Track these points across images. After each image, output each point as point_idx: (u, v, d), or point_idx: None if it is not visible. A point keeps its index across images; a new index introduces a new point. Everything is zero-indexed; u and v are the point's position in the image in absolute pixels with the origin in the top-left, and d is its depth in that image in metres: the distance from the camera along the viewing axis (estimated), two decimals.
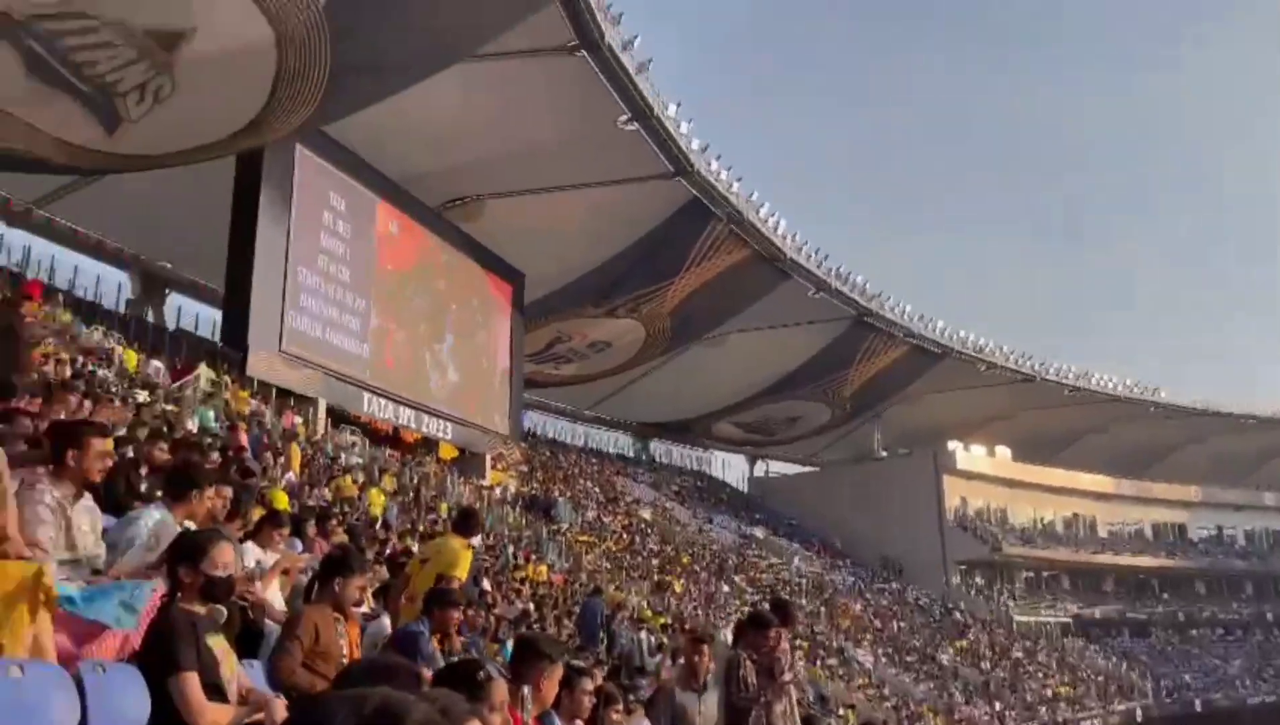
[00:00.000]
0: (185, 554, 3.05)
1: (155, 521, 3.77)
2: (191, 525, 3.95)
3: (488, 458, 29.70)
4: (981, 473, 46.31)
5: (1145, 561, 48.93)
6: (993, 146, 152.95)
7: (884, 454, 48.24)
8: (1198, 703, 39.39)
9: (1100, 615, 45.95)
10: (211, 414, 15.86)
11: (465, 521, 6.53)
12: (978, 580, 45.33)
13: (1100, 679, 37.82)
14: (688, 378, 41.22)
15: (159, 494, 4.26)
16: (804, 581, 35.91)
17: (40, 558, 3.04)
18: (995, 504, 47.76)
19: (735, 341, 39.48)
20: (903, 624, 35.73)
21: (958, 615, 39.97)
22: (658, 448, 50.14)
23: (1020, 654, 37.38)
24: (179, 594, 3.02)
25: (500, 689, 2.82)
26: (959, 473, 45.53)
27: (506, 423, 31.71)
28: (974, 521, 46.13)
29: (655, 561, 28.70)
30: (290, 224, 22.35)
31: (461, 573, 5.77)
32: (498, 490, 27.12)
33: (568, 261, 32.29)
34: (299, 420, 21.13)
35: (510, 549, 19.90)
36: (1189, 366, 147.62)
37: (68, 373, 12.93)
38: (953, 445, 45.94)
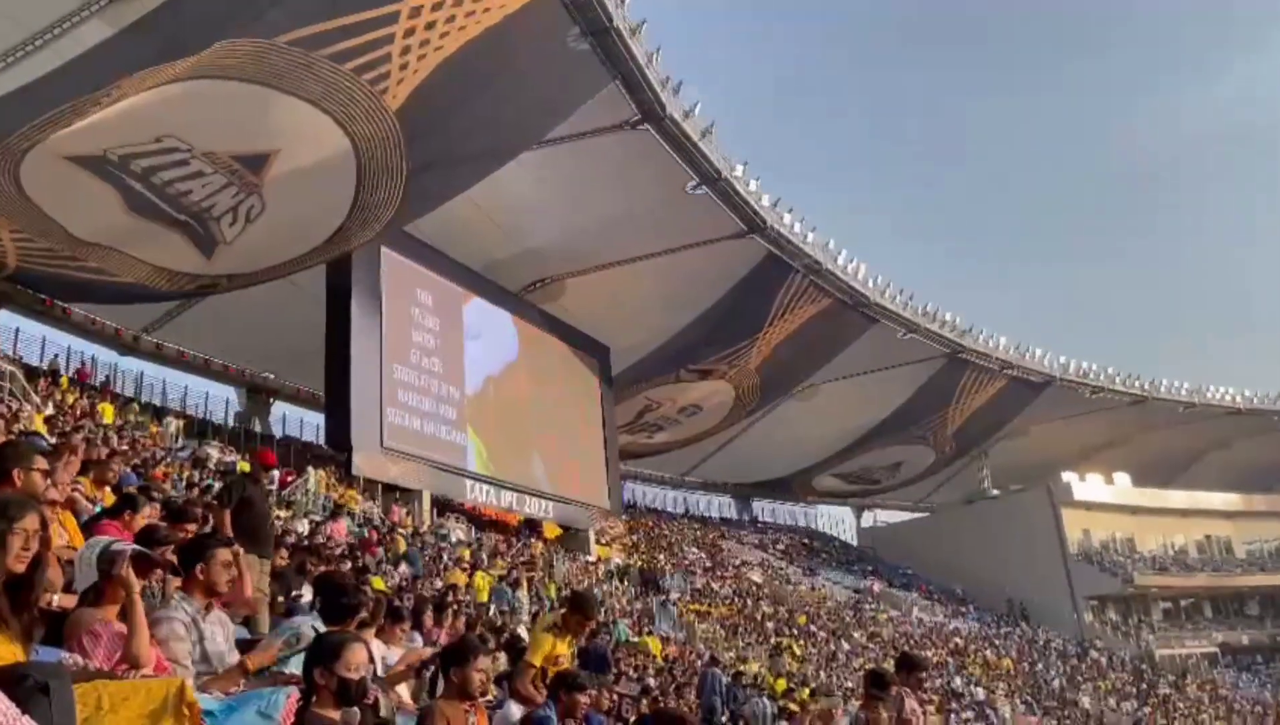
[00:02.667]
0: (320, 657, 3.06)
1: (310, 632, 3.78)
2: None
3: (591, 534, 29.68)
4: (1102, 502, 44.43)
5: None
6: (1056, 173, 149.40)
7: (996, 493, 46.67)
8: None
9: (1249, 641, 43.06)
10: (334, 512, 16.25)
11: (568, 607, 6.32)
12: (1112, 615, 43.08)
13: (1258, 709, 35.24)
14: (782, 433, 40.71)
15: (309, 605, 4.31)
16: (927, 632, 34.64)
17: (180, 674, 3.09)
18: (1121, 533, 45.59)
19: (827, 392, 38.92)
20: (1038, 668, 34.05)
21: (1095, 654, 37.95)
22: (760, 507, 49.44)
23: (1168, 689, 35.16)
24: (314, 698, 3.02)
25: None
26: (1078, 504, 43.76)
27: (606, 497, 31.71)
28: (1100, 554, 44.07)
29: (770, 624, 28.07)
30: (382, 324, 23.02)
31: (534, 657, 5.64)
32: (603, 566, 27.02)
33: (650, 330, 32.50)
34: (404, 511, 21.56)
35: (623, 624, 19.69)
36: None
37: (183, 488, 13.45)
38: (1067, 476, 44.28)
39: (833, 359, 36.67)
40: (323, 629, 3.84)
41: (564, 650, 5.82)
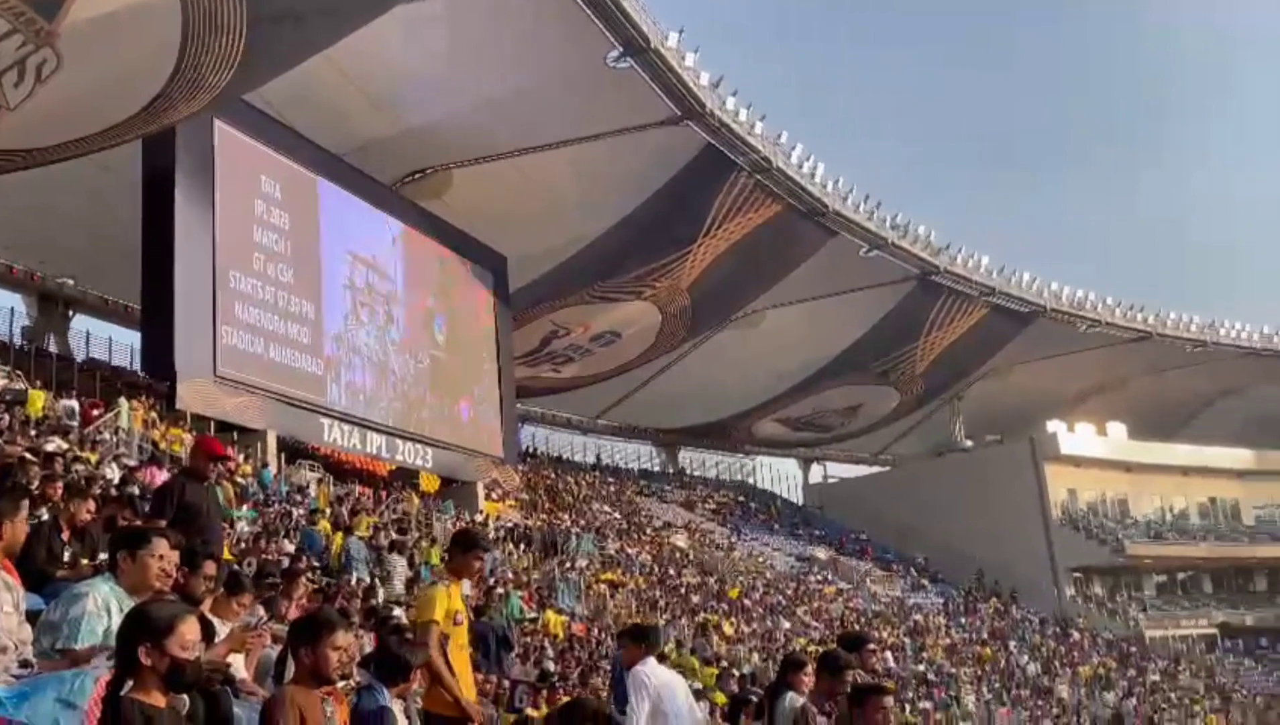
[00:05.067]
0: (146, 632, 3.03)
1: (104, 595, 3.76)
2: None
3: (479, 486, 29.79)
4: (1092, 457, 46.12)
5: None
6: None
7: (969, 444, 48.25)
8: None
9: (1253, 622, 45.67)
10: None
11: (452, 546, 6.47)
12: (1097, 590, 45.18)
13: (1260, 701, 37.60)
14: (718, 369, 41.16)
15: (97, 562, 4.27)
16: (882, 609, 35.87)
17: None
18: (1112, 494, 47.59)
19: (774, 319, 39.36)
20: (1011, 651, 35.66)
21: (1076, 635, 39.86)
22: (688, 458, 50.20)
23: (1157, 677, 37.22)
24: (130, 682, 3.00)
25: None
26: (1064, 459, 45.40)
27: (499, 442, 31.77)
28: (1087, 518, 45.97)
29: (695, 598, 28.71)
30: (216, 219, 22.41)
31: (434, 612, 5.73)
32: (494, 525, 27.22)
33: (558, 237, 32.29)
34: (243, 456, 21.30)
35: (517, 597, 19.94)
36: None
37: None
38: (1053, 426, 45.85)
39: (782, 279, 37.03)
40: (115, 588, 3.81)
41: (459, 605, 5.91)
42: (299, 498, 20.81)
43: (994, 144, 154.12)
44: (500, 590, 19.12)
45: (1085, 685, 34.55)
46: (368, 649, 8.64)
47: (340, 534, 17.86)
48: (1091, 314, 43.51)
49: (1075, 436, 46.03)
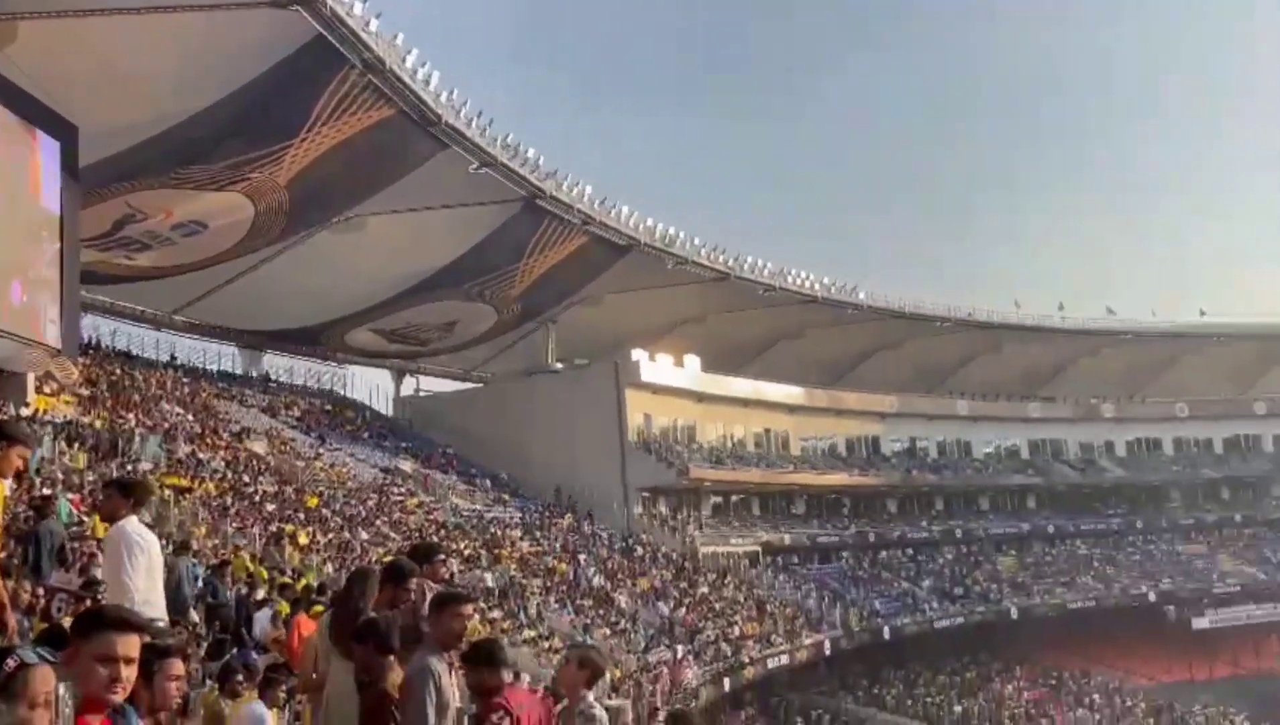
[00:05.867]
0: None
1: None
2: None
3: (30, 378, 26.93)
4: (668, 386, 48.90)
5: (837, 479, 54.47)
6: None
7: (559, 366, 49.65)
8: (886, 630, 44.93)
9: (790, 541, 50.70)
10: None
11: None
12: (663, 509, 48.24)
13: (788, 612, 41.92)
14: (313, 272, 39.62)
15: None
16: (462, 522, 36.37)
17: None
18: (683, 421, 50.86)
19: (376, 226, 38.36)
20: (580, 565, 37.38)
21: (639, 550, 42.43)
22: (274, 363, 48.41)
23: (706, 589, 40.48)
24: None
25: (40, 678, 2.62)
26: (643, 386, 47.75)
27: (56, 331, 28.73)
28: (659, 442, 48.88)
29: (271, 507, 27.70)
30: None
31: None
32: (46, 421, 24.85)
33: (142, 112, 29.42)
34: None
35: (67, 500, 18.22)
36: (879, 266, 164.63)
37: None
38: (637, 354, 47.92)
39: (387, 187, 36.13)
40: None
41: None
42: None
43: (619, 73, 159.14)
44: (48, 492, 17.41)
45: (642, 596, 36.98)
46: None
47: None
48: (680, 252, 45.88)
49: (655, 365, 48.38)
